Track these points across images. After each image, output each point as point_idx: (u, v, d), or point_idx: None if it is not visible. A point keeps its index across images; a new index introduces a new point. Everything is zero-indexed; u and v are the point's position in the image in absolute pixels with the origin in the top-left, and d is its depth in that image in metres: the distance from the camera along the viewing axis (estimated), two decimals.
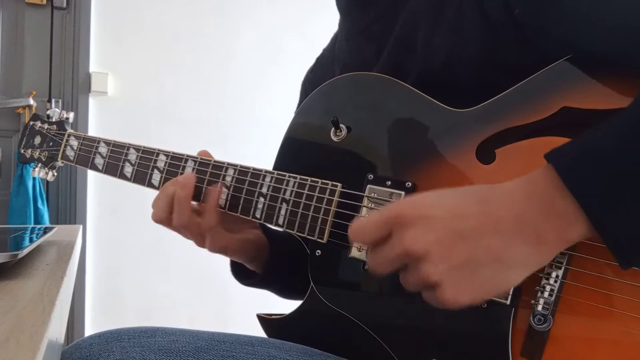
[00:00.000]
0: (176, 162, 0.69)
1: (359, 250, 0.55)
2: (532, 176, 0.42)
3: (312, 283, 0.59)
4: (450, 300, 0.41)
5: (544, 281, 0.45)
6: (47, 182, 2.19)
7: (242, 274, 0.73)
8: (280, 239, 0.72)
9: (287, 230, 0.60)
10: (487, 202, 0.41)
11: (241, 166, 0.65)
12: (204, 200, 0.65)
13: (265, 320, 0.66)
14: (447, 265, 0.40)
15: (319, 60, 0.81)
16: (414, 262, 0.41)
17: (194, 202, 0.65)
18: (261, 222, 0.63)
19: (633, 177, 0.38)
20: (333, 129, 0.60)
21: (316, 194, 0.58)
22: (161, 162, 0.71)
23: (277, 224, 0.61)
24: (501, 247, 0.40)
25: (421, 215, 0.41)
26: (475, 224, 0.40)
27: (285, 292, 0.76)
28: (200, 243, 0.65)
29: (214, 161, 0.66)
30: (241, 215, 0.64)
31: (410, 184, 0.53)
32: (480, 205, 0.41)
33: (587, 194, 0.38)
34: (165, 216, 0.63)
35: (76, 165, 0.81)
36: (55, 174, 0.87)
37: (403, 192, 0.53)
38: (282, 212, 0.60)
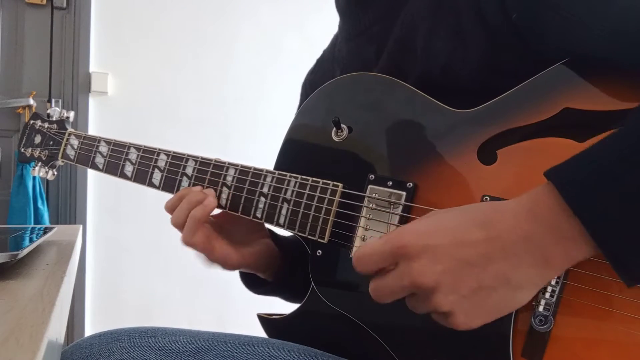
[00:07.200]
0: (177, 161, 0.69)
1: None
2: (534, 195, 0.41)
3: (312, 283, 0.59)
4: (462, 326, 0.41)
5: None
6: (47, 182, 2.18)
7: (253, 283, 0.73)
8: (289, 244, 0.72)
9: (288, 230, 0.60)
10: (491, 226, 0.41)
11: (242, 166, 0.65)
12: None
13: (266, 320, 0.65)
14: (458, 295, 0.41)
15: (319, 61, 0.81)
16: (423, 292, 0.42)
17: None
18: (262, 221, 0.63)
19: (636, 196, 0.37)
20: (334, 129, 0.60)
21: (317, 194, 0.58)
22: (162, 161, 0.71)
23: (277, 224, 0.61)
24: (509, 271, 0.40)
25: (426, 245, 0.41)
26: (482, 251, 0.40)
27: (296, 297, 0.75)
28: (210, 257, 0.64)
29: (215, 161, 0.66)
30: (242, 215, 0.64)
31: (411, 184, 0.53)
32: (485, 230, 0.41)
33: (593, 217, 0.38)
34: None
35: (76, 165, 0.81)
36: (55, 173, 0.87)
37: (404, 193, 0.53)
38: (283, 212, 0.60)
